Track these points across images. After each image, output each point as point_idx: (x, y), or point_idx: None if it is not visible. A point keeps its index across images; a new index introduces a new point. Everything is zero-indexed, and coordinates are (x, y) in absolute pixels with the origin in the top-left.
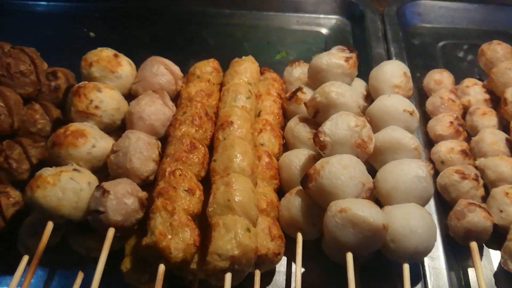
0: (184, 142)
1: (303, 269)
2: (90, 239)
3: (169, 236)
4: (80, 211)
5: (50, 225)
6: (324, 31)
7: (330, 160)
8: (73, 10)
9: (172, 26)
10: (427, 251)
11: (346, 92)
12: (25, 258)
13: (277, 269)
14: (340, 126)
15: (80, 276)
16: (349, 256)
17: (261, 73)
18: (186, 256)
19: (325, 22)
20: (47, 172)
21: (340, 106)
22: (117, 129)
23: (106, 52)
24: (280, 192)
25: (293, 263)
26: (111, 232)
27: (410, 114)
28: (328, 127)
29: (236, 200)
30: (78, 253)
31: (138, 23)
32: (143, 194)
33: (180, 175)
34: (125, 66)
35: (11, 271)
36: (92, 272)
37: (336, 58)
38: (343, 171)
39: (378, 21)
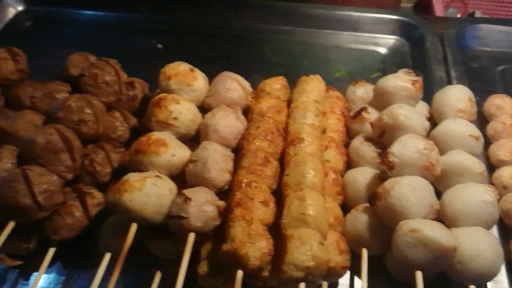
0: (259, 156)
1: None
2: (167, 242)
3: (248, 244)
4: (161, 215)
5: (134, 227)
6: (382, 50)
7: (400, 180)
8: (140, 22)
9: (234, 41)
10: (492, 275)
11: (413, 115)
12: (107, 256)
13: (340, 281)
14: (409, 148)
15: (158, 276)
16: (419, 275)
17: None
18: (262, 264)
19: (383, 42)
20: (133, 178)
21: (407, 128)
22: (190, 139)
23: (183, 66)
24: (343, 208)
25: (355, 277)
26: (192, 236)
27: (476, 139)
28: (397, 148)
29: (310, 214)
30: (153, 255)
31: (202, 37)
32: (222, 203)
33: (255, 187)
34: (200, 80)
35: (91, 267)
36: (166, 273)
37: (403, 81)
38: (412, 192)
39: (438, 44)
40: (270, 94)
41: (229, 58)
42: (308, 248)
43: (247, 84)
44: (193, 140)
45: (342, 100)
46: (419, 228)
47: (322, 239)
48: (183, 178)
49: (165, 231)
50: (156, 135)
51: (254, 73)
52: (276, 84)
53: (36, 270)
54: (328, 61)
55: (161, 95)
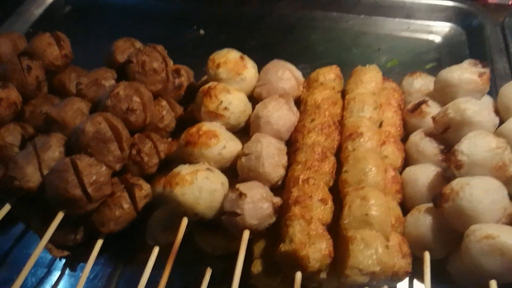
0: (316, 151)
1: None
2: (217, 238)
3: (308, 245)
4: (213, 210)
5: (185, 222)
6: (436, 39)
7: (470, 181)
8: (180, 9)
9: (279, 29)
10: None
11: (483, 110)
12: (156, 250)
13: (398, 286)
14: (480, 146)
15: (208, 273)
16: (493, 285)
17: None
18: (321, 267)
19: (438, 30)
20: (185, 170)
21: (475, 124)
22: (238, 131)
23: (233, 54)
24: (401, 207)
25: (414, 281)
26: (246, 234)
27: None
28: (466, 146)
29: (374, 215)
30: (202, 250)
31: (244, 25)
32: (278, 200)
33: (313, 184)
34: (250, 69)
35: (138, 260)
36: (216, 269)
37: (469, 73)
38: (485, 194)
39: (499, 33)
40: (324, 84)
41: (273, 46)
42: (373, 252)
43: (299, 74)
44: (241, 131)
45: (398, 92)
46: (495, 235)
47: (386, 242)
48: (233, 172)
49: (215, 226)
50: (206, 126)
51: (301, 62)
52: (330, 74)
53: (83, 261)
54: (378, 50)
55: (211, 84)
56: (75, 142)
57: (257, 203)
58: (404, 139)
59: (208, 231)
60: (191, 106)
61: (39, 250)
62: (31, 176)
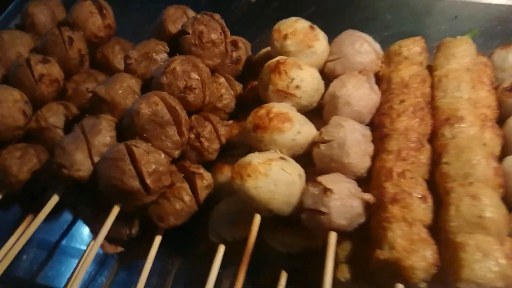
0: (410, 138)
1: None
2: (289, 235)
3: (412, 253)
4: (291, 207)
5: (258, 219)
6: None
7: None
8: None
9: None
10: None
11: None
12: (221, 248)
13: None
14: None
15: (283, 276)
16: None
17: None
18: (427, 277)
19: None
20: (257, 160)
21: None
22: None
23: (302, 23)
24: None
25: None
26: (333, 236)
27: None
28: None
29: (490, 217)
30: (273, 249)
31: None
32: (370, 197)
33: (411, 178)
34: (321, 41)
35: (198, 256)
36: (291, 270)
37: None
38: None
39: None
40: (409, 59)
41: (333, 15)
42: (494, 263)
43: (377, 46)
44: (310, 114)
45: (490, 68)
46: None
47: (508, 250)
48: (306, 160)
49: (287, 222)
50: (277, 107)
51: (366, 33)
52: (415, 47)
53: (137, 257)
54: (455, 19)
55: (280, 58)
56: (128, 126)
57: (345, 200)
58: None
59: (283, 227)
60: (251, 84)
61: (95, 248)
62: (81, 164)
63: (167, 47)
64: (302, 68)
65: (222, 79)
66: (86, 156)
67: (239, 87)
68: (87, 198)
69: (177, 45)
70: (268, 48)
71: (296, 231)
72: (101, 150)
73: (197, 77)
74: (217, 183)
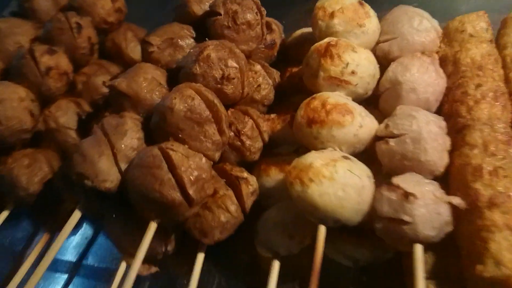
0: (498, 129)
1: None
2: (355, 246)
3: None
4: (360, 215)
5: (323, 231)
6: None
7: None
8: None
9: None
10: None
11: None
12: (276, 265)
13: None
14: None
15: None
16: None
17: None
18: None
19: None
20: (318, 161)
21: None
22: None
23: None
24: None
25: None
26: (419, 249)
27: None
28: None
29: None
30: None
31: None
32: (459, 202)
33: (504, 176)
34: (373, 18)
35: (246, 271)
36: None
37: None
38: None
39: None
40: (475, 36)
41: None
42: None
43: (436, 23)
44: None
45: None
46: None
47: None
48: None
49: (351, 231)
50: (334, 98)
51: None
52: (480, 22)
53: (173, 275)
54: None
55: (330, 40)
56: (158, 125)
57: (431, 206)
58: None
59: (347, 238)
60: (289, 71)
61: (134, 270)
62: (107, 173)
63: (193, 31)
64: (357, 51)
65: (258, 67)
66: (112, 164)
67: (276, 75)
68: (112, 210)
69: (203, 28)
70: (303, 30)
71: (364, 242)
72: (128, 155)
73: (235, 64)
74: (263, 187)
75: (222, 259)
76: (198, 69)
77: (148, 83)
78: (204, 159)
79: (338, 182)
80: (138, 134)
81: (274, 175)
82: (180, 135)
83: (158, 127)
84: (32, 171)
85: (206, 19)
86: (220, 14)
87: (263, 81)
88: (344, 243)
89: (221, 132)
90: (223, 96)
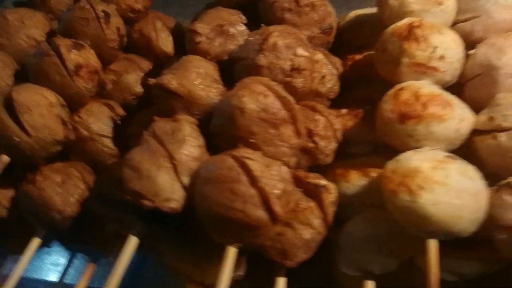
0: None
1: None
2: (461, 259)
3: None
4: (476, 225)
5: (434, 245)
6: None
7: None
8: None
9: None
10: None
11: None
12: (370, 286)
13: None
14: None
15: None
16: None
17: None
18: None
19: None
20: (425, 164)
21: None
22: None
23: None
24: None
25: None
26: None
27: None
28: None
29: None
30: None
31: None
32: None
33: None
34: None
35: None
36: None
37: None
38: None
39: None
40: None
41: None
42: None
43: None
44: None
45: None
46: None
47: None
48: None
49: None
50: (426, 88)
51: None
52: None
53: None
54: None
55: (411, 20)
56: (222, 129)
57: None
58: None
59: (452, 249)
60: (350, 58)
61: None
62: (170, 190)
63: (243, 17)
64: (443, 32)
65: (320, 55)
66: (173, 178)
67: (339, 64)
68: (173, 234)
69: (251, 12)
70: (358, 11)
71: (472, 254)
72: (190, 166)
73: (305, 53)
74: (341, 195)
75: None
76: (263, 60)
77: (202, 79)
78: (285, 168)
79: (452, 188)
80: (198, 141)
81: (354, 181)
82: (251, 140)
83: (222, 132)
84: (67, 190)
85: (259, 2)
86: None
87: (327, 72)
88: (449, 257)
89: (298, 133)
90: (291, 91)
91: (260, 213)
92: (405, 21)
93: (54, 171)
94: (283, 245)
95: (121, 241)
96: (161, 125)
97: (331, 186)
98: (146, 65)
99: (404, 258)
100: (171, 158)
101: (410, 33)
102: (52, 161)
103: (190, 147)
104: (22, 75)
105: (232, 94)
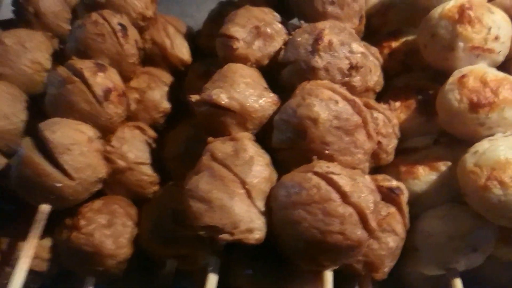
0: None
1: None
2: None
3: None
4: None
5: None
6: None
7: None
8: None
9: None
10: None
11: None
12: (458, 283)
13: None
14: None
15: None
16: None
17: None
18: None
19: None
20: None
21: None
22: None
23: None
24: None
25: None
26: None
27: None
28: None
29: None
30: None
31: None
32: None
33: None
34: None
35: None
36: None
37: None
38: None
39: None
40: None
41: None
42: None
43: None
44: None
45: None
46: None
47: None
48: None
49: None
50: (491, 72)
51: None
52: None
53: None
54: None
55: (460, 1)
56: (291, 143)
57: None
58: None
59: None
60: (386, 46)
61: None
62: (249, 219)
63: (276, 14)
64: (493, 11)
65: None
66: (250, 206)
67: (377, 53)
68: (253, 264)
69: (284, 9)
70: None
71: None
72: (263, 189)
73: (360, 49)
74: (410, 192)
75: None
76: (319, 61)
77: (252, 89)
78: (367, 177)
79: None
80: (264, 159)
81: (423, 177)
82: (327, 151)
83: (290, 146)
84: (115, 231)
85: None
86: None
87: (371, 64)
88: None
89: (369, 137)
90: (350, 91)
91: (361, 233)
92: (453, 2)
93: (96, 212)
94: (369, 258)
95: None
96: (219, 146)
97: (403, 186)
98: (167, 77)
99: (488, 251)
100: (243, 182)
101: (462, 16)
102: (88, 199)
103: (259, 167)
104: (33, 106)
105: (297, 103)
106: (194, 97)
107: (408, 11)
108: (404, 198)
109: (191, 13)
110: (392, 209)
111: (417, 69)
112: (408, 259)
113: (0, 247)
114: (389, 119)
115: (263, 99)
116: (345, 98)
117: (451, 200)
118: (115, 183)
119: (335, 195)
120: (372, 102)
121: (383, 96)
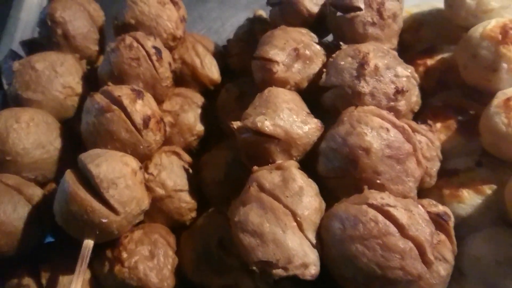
0: None
1: None
2: None
3: None
4: None
5: None
6: None
7: None
8: None
9: None
10: None
11: None
12: None
13: None
14: None
15: None
16: None
17: None
18: None
19: None
20: None
21: None
22: None
23: None
24: None
25: None
26: None
27: None
28: None
29: None
30: None
31: None
32: None
33: None
34: None
35: None
36: None
37: None
38: None
39: None
40: None
41: None
42: None
43: None
44: None
45: None
46: None
47: None
48: None
49: None
50: None
51: None
52: None
53: None
54: None
55: (502, 22)
56: (341, 172)
57: None
58: None
59: None
60: (421, 64)
61: None
62: (303, 254)
63: (314, 35)
64: None
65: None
66: (301, 238)
67: (413, 72)
68: None
69: (319, 30)
70: (410, 10)
71: None
72: (314, 221)
73: (406, 72)
74: (456, 216)
75: None
76: (365, 86)
77: (295, 115)
78: (421, 207)
79: None
80: (313, 189)
81: (470, 200)
82: (378, 181)
83: (340, 175)
84: (158, 262)
85: (333, 17)
86: (361, 9)
87: (409, 84)
88: None
89: (419, 164)
90: (396, 116)
91: (421, 267)
92: (494, 22)
93: (137, 242)
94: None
95: None
96: (266, 176)
97: (449, 211)
98: (199, 98)
99: None
100: (294, 214)
101: (506, 36)
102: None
103: (309, 197)
104: (65, 132)
105: (346, 131)
106: (236, 124)
107: (442, 28)
108: (451, 223)
109: (216, 29)
110: (442, 236)
111: (453, 86)
112: (454, 283)
113: (41, 281)
114: (432, 141)
115: (307, 125)
116: (394, 126)
117: (496, 223)
118: (154, 211)
119: (393, 229)
120: (414, 124)
121: (419, 115)
